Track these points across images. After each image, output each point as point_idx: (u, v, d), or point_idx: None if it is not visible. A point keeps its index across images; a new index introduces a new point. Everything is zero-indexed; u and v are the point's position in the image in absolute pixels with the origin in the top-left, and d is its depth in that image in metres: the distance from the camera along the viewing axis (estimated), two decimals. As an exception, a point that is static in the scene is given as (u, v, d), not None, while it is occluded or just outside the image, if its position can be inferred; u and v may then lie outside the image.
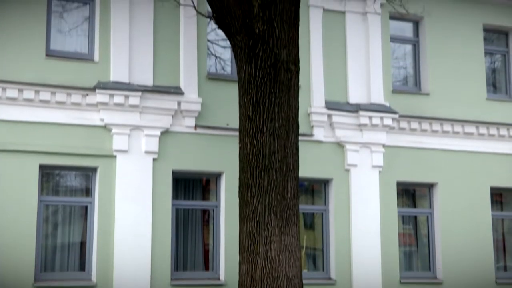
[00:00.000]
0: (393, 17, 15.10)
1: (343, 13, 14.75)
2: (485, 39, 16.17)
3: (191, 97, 13.17)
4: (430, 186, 15.14)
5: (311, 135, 14.03)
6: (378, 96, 14.63)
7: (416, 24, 15.69)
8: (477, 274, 14.93)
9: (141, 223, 12.59)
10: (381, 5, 14.76)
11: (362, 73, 14.68)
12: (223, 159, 13.14)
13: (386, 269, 14.23)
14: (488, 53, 16.33)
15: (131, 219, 12.53)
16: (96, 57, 12.87)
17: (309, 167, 13.27)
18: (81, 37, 13.11)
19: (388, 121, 14.51)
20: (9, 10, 12.34)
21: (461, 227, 14.98)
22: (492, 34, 16.55)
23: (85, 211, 12.73)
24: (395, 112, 14.62)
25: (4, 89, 12.09)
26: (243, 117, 9.68)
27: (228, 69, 14.05)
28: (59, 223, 12.70)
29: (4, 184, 11.95)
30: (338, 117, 14.26)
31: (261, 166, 9.39)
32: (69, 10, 13.16)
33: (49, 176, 12.67)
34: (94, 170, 12.66)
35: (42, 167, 12.31)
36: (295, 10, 9.81)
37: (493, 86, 16.49)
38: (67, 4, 13.16)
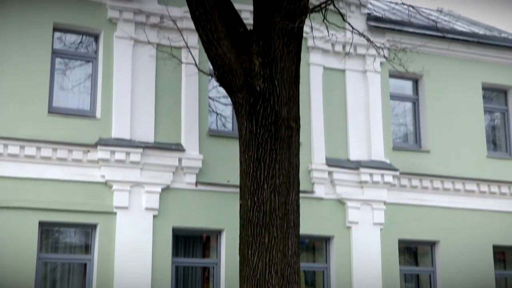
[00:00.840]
0: (392, 75, 15.25)
1: (343, 71, 14.90)
2: (484, 97, 16.30)
3: (192, 154, 13.20)
4: (432, 244, 15.03)
5: (312, 192, 14.00)
6: (379, 153, 14.66)
7: (416, 82, 15.84)
8: (481, 334, 14.72)
9: (140, 281, 12.45)
10: (381, 63, 14.92)
11: (363, 130, 14.74)
12: (223, 216, 13.09)
13: (388, 328, 14.04)
14: (487, 111, 16.43)
15: (131, 277, 12.40)
16: (98, 114, 12.96)
17: (310, 224, 13.20)
18: (84, 94, 13.22)
19: (389, 178, 14.50)
20: (13, 66, 12.47)
21: (464, 286, 14.81)
22: (491, 92, 16.69)
23: (84, 269, 12.61)
24: (395, 169, 14.62)
25: (5, 145, 12.13)
26: (243, 174, 9.69)
27: (229, 126, 14.12)
28: (57, 280, 12.56)
29: (3, 241, 11.87)
30: (339, 174, 14.26)
31: (262, 223, 9.35)
32: (72, 68, 13.32)
33: (48, 233, 12.60)
34: (94, 227, 12.60)
35: (41, 224, 12.25)
36: (295, 69, 9.92)
37: (493, 143, 16.53)
38: (70, 61, 13.32)
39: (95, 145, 12.60)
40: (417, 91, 15.84)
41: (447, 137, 15.49)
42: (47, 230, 12.53)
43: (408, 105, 15.89)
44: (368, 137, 14.72)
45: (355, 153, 14.56)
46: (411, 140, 15.72)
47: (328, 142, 14.37)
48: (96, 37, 13.44)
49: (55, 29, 13.05)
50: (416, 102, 15.79)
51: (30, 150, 12.24)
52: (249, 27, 10.28)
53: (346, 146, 14.58)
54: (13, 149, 12.14)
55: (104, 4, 13.22)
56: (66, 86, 13.18)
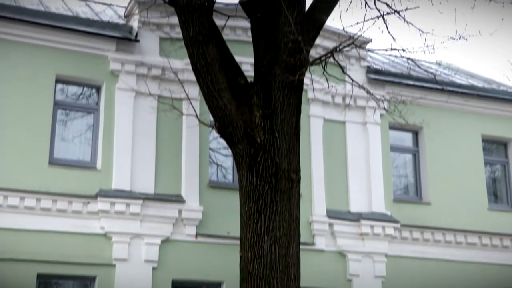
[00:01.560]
0: (393, 127, 15.30)
1: (344, 123, 14.96)
2: (484, 149, 16.32)
3: (192, 206, 13.16)
4: (434, 297, 14.87)
5: (313, 244, 13.91)
6: (379, 205, 14.61)
7: (416, 134, 15.89)
8: None
9: (139, 334, 12.28)
10: (381, 115, 14.99)
11: (363, 181, 14.72)
12: (223, 268, 12.97)
13: None
14: (488, 163, 16.44)
15: (129, 330, 12.23)
16: (99, 165, 12.96)
17: (310, 276, 13.06)
18: (85, 145, 13.25)
19: (390, 230, 14.42)
20: (14, 117, 12.53)
21: None
22: (491, 145, 16.72)
23: (82, 322, 12.46)
24: (396, 221, 14.55)
25: (5, 197, 12.09)
26: (244, 225, 9.64)
27: (230, 177, 14.10)
28: (54, 334, 12.40)
29: (0, 293, 11.75)
30: (340, 226, 14.19)
31: (262, 276, 9.26)
32: (73, 119, 13.38)
33: (46, 285, 12.44)
34: (92, 279, 12.46)
35: (40, 276, 12.12)
36: (296, 120, 9.97)
37: (494, 196, 16.48)
38: (71, 112, 13.39)
39: (95, 197, 12.56)
40: (417, 143, 15.87)
41: (448, 189, 15.46)
42: (45, 282, 12.39)
43: (409, 156, 15.90)
44: (368, 189, 14.69)
45: (356, 205, 14.51)
46: (411, 192, 15.68)
47: (328, 193, 14.33)
48: (98, 89, 13.54)
49: (58, 81, 13.16)
50: (417, 154, 15.81)
51: (30, 201, 12.20)
52: (250, 79, 10.37)
53: (347, 198, 14.54)
54: (13, 200, 12.10)
55: (106, 56, 13.36)
56: (67, 137, 13.22)
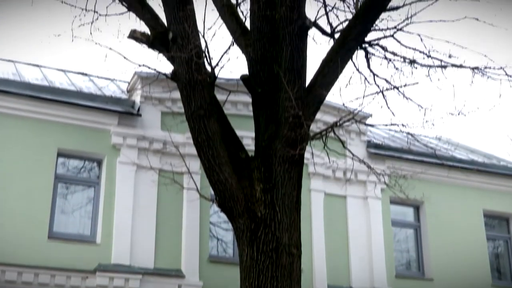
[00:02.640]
0: (394, 202, 15.27)
1: (344, 197, 14.94)
2: (486, 224, 16.24)
3: (192, 280, 13.00)
4: None
5: (314, 320, 13.69)
6: (381, 281, 14.43)
7: (417, 209, 15.84)
8: None
9: None
10: (382, 190, 14.97)
11: (365, 256, 14.59)
12: None
13: None
14: (490, 238, 16.32)
15: None
16: (98, 239, 12.87)
17: None
18: (85, 219, 13.20)
19: (392, 306, 14.23)
20: (15, 190, 12.51)
21: None
22: (493, 220, 16.64)
23: None
24: (399, 298, 14.36)
25: (3, 271, 11.96)
26: (244, 301, 9.50)
27: (230, 252, 13.99)
28: None
29: None
30: (341, 302, 14.01)
31: None
32: (74, 192, 13.38)
33: None
34: None
35: None
36: (296, 195, 9.95)
37: (498, 271, 16.30)
38: (72, 186, 13.39)
39: (94, 271, 12.42)
40: (419, 218, 15.81)
41: (450, 265, 15.29)
42: None
43: (410, 231, 15.81)
44: (370, 264, 14.54)
45: (357, 281, 14.33)
46: (414, 268, 15.52)
47: (329, 269, 14.18)
48: (99, 163, 13.58)
49: (59, 155, 13.22)
50: (418, 228, 15.72)
51: (28, 276, 12.06)
52: (251, 153, 10.41)
53: (348, 273, 14.38)
54: (11, 275, 11.95)
55: (108, 130, 13.46)
56: (67, 210, 13.19)
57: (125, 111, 13.62)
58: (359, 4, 10.99)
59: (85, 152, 13.41)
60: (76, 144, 13.27)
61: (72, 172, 13.48)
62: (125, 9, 10.87)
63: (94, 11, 11.20)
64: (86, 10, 11.22)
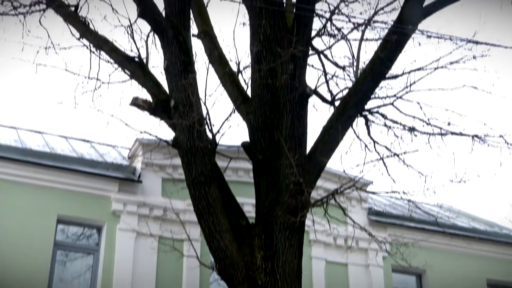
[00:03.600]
0: (395, 270, 15.11)
1: (346, 265, 14.80)
2: (490, 293, 16.06)
3: None
4: None
5: None
6: None
7: (419, 277, 15.66)
8: None
9: None
10: (383, 258, 14.84)
11: (367, 326, 14.38)
12: None
13: None
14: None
15: None
16: (96, 308, 12.70)
17: None
18: (83, 286, 13.03)
19: None
20: (13, 258, 12.39)
21: None
22: (497, 289, 16.44)
23: None
24: None
25: None
26: None
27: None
28: None
29: None
30: None
31: None
32: (73, 260, 13.25)
33: None
34: None
35: None
36: (297, 263, 9.87)
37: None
38: (71, 253, 13.28)
39: None
40: (421, 286, 15.60)
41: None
42: None
43: (413, 299, 15.62)
44: (373, 331, 14.33)
45: None
46: (416, 337, 15.28)
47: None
48: (99, 229, 13.51)
49: (59, 221, 13.15)
50: (421, 297, 15.54)
51: None
52: (252, 220, 10.36)
53: None
54: None
55: (109, 197, 13.44)
56: (65, 278, 13.03)
57: (126, 178, 13.64)
58: (358, 73, 11.15)
59: (85, 219, 13.35)
60: (76, 210, 13.23)
61: (71, 239, 13.39)
62: (127, 77, 11.00)
63: (97, 79, 11.34)
64: (89, 78, 11.35)
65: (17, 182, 12.96)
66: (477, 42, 10.70)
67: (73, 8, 10.83)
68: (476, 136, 11.07)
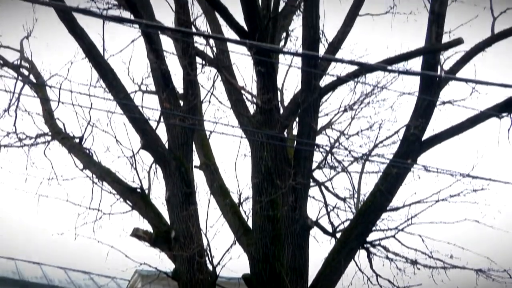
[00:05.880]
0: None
1: None
2: None
3: None
4: None
5: None
6: None
7: None
8: None
9: None
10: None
11: None
12: None
13: None
14: None
15: None
16: None
17: None
18: None
19: None
20: None
21: None
22: None
23: None
24: None
25: None
26: None
27: None
28: None
29: None
30: None
31: None
32: None
33: None
34: None
35: None
36: None
37: None
38: None
39: None
40: None
41: None
42: None
43: None
44: None
45: None
46: None
47: None
48: None
49: None
50: None
51: None
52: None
53: None
54: None
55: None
56: None
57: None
58: (359, 204, 11.19)
59: None
60: None
61: None
62: (129, 208, 11.01)
63: (98, 210, 11.32)
64: (90, 208, 11.34)
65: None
66: (476, 177, 10.77)
67: (77, 140, 11.01)
68: (480, 270, 10.95)
